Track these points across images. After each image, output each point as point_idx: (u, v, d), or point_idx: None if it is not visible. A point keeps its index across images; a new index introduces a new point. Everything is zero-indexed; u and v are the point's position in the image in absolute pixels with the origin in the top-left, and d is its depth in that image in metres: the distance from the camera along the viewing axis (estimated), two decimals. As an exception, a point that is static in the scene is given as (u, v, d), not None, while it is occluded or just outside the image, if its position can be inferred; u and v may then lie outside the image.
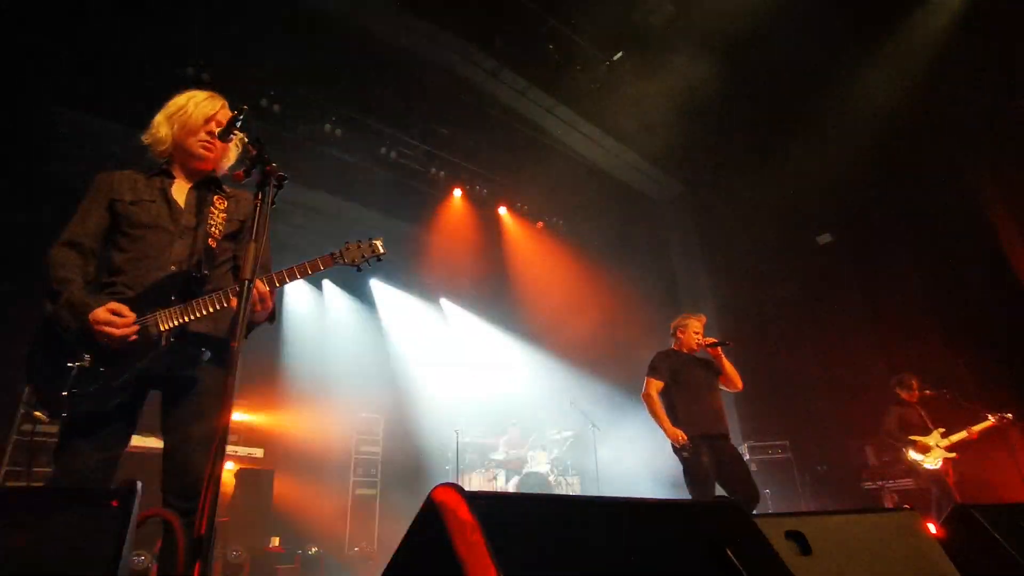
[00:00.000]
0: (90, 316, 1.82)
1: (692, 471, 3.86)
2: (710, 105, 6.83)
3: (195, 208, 2.15)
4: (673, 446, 4.00)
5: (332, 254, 2.10)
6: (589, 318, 8.16)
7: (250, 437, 6.34)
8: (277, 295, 2.08)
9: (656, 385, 4.22)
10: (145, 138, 2.20)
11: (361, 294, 8.25)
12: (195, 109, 2.16)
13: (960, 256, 6.86)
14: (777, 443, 6.71)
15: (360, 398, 7.39)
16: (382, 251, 2.16)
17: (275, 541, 5.47)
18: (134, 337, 1.86)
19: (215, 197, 2.20)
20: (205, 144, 2.16)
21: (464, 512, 0.77)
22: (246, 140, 1.93)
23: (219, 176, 2.30)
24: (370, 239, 2.16)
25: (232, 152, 2.30)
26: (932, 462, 5.39)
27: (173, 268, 2.00)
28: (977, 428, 5.34)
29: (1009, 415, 5.37)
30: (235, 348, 1.48)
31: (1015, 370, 6.28)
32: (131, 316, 1.87)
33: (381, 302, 8.40)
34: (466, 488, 0.80)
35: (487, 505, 0.78)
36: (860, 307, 7.30)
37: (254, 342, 2.09)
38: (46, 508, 0.88)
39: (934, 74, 6.51)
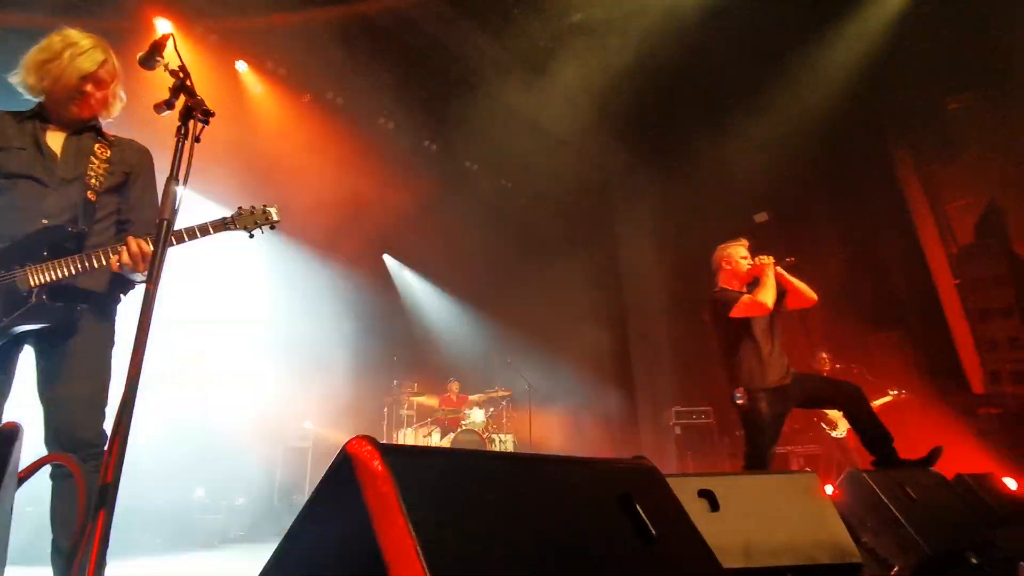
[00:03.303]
0: None
1: (749, 423, 3.40)
2: (664, 79, 6.86)
3: (72, 158, 1.97)
4: (734, 398, 3.48)
5: (224, 219, 2.00)
6: (529, 280, 8.23)
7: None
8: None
9: (744, 298, 3.46)
10: (12, 79, 1.99)
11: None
12: (70, 64, 1.93)
13: (880, 242, 7.31)
14: (701, 409, 7.08)
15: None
16: (276, 219, 2.08)
17: (199, 492, 5.35)
18: None
19: (96, 146, 2.02)
20: (79, 102, 1.97)
21: (376, 464, 0.77)
22: (170, 68, 1.79)
23: (102, 123, 2.11)
24: (264, 206, 2.07)
25: (117, 104, 2.11)
26: (837, 431, 5.85)
27: (45, 222, 1.86)
28: (879, 403, 5.80)
29: (905, 393, 5.88)
30: (151, 290, 1.41)
31: (918, 352, 6.83)
32: None
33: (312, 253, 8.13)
34: (399, 444, 0.80)
35: (400, 457, 0.78)
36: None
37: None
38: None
39: (879, 67, 6.76)
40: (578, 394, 8.14)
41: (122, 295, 2.08)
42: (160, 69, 2.01)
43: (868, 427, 3.38)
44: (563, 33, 6.51)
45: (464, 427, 6.81)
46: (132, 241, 1.85)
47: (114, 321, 2.04)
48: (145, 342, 1.38)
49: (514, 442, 7.07)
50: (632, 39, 6.32)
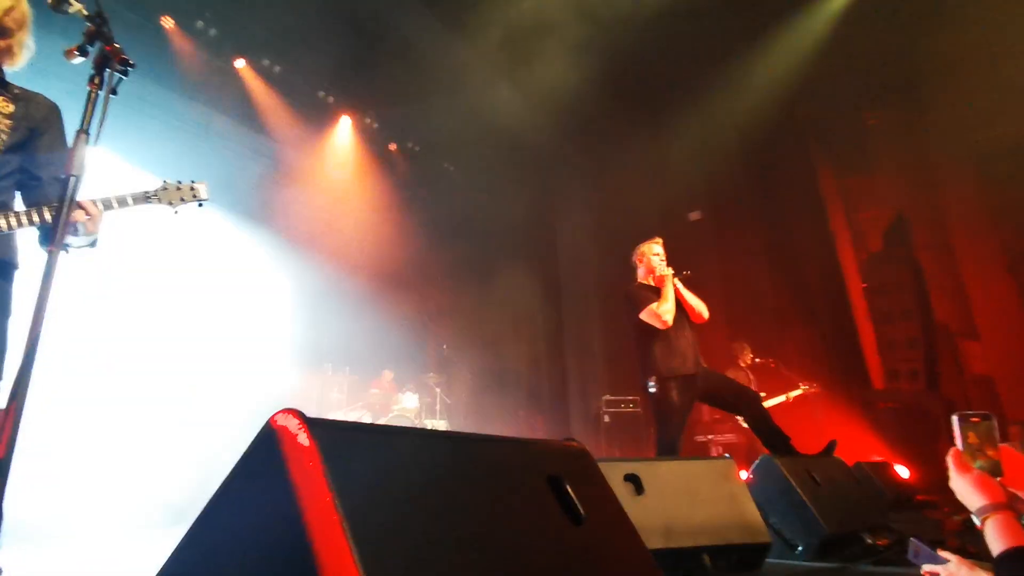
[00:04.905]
0: None
1: (659, 409, 3.58)
2: (610, 72, 6.95)
3: None
4: (647, 386, 3.65)
5: (146, 192, 1.87)
6: (465, 267, 8.20)
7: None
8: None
9: (650, 307, 3.64)
10: None
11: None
12: None
13: (800, 246, 7.76)
14: (630, 398, 7.30)
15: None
16: (204, 196, 1.96)
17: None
18: None
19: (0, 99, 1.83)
20: None
21: (303, 437, 0.73)
22: (84, 12, 1.63)
23: (6, 74, 1.89)
24: (192, 182, 1.95)
25: (23, 54, 1.89)
26: (749, 421, 6.19)
27: None
28: (793, 394, 6.18)
29: (816, 386, 6.29)
30: (53, 253, 1.29)
31: (828, 349, 7.33)
32: None
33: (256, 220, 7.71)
34: (328, 419, 0.77)
35: (328, 432, 0.75)
36: (714, 279, 8.01)
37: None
38: None
39: (808, 80, 7.12)
40: (511, 379, 8.20)
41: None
42: (74, 12, 1.85)
43: (766, 430, 3.64)
44: (511, 23, 6.46)
45: (395, 412, 6.71)
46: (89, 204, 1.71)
47: (11, 289, 1.86)
48: (45, 310, 1.27)
49: (447, 427, 7.03)
50: (578, 33, 6.36)
